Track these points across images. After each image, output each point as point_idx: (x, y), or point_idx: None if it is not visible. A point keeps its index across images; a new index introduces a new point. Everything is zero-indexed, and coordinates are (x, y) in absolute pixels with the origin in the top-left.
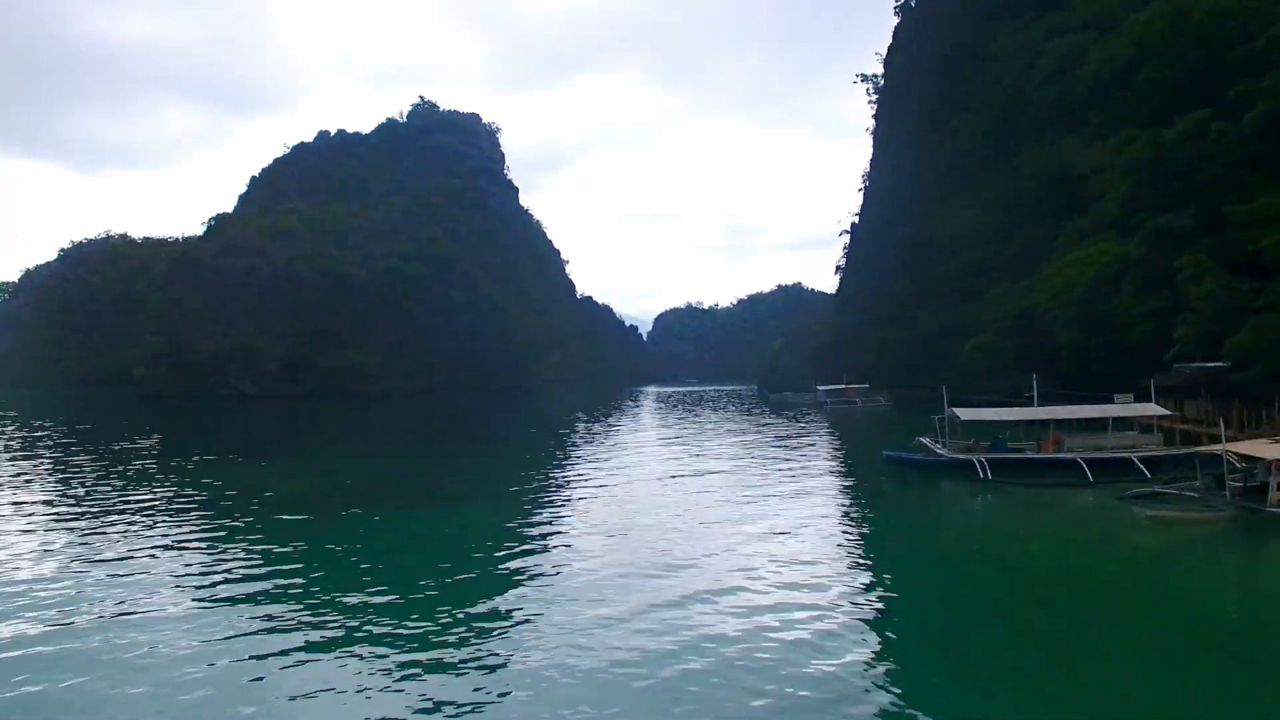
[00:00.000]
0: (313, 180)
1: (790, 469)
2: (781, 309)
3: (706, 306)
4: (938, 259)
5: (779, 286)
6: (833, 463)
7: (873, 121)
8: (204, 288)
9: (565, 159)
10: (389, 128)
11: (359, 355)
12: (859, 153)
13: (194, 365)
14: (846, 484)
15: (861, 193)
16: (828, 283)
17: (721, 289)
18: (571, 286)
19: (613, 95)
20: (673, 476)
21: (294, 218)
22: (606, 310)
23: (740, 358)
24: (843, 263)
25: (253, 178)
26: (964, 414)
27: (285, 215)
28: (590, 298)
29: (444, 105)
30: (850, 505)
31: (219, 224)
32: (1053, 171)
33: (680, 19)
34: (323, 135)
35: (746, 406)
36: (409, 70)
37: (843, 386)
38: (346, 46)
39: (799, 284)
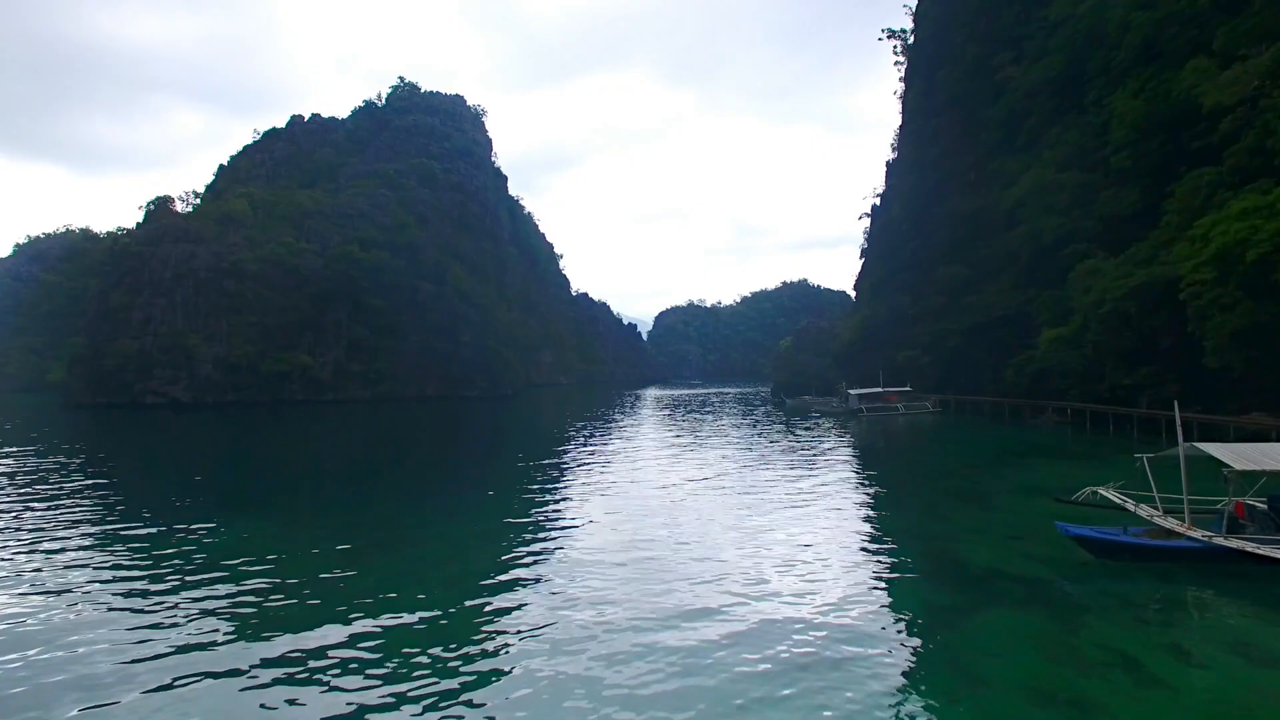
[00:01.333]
0: (284, 169)
1: (871, 536)
2: (788, 306)
3: (709, 305)
4: (994, 235)
5: (784, 283)
6: (933, 522)
7: (900, 85)
8: (130, 281)
9: (573, 159)
10: (366, 111)
11: (309, 358)
12: (871, 147)
13: (116, 369)
14: (999, 584)
15: (887, 168)
16: (835, 280)
17: (726, 288)
18: (566, 282)
19: (621, 94)
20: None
21: (244, 201)
22: (603, 308)
23: (745, 357)
24: (865, 248)
25: (220, 167)
26: (1233, 457)
27: (235, 199)
28: (586, 294)
29: (430, 88)
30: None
31: (157, 208)
32: (1158, 113)
33: (691, 16)
34: (295, 121)
35: (759, 414)
36: (416, 71)
37: (880, 390)
38: (352, 48)
39: (805, 280)
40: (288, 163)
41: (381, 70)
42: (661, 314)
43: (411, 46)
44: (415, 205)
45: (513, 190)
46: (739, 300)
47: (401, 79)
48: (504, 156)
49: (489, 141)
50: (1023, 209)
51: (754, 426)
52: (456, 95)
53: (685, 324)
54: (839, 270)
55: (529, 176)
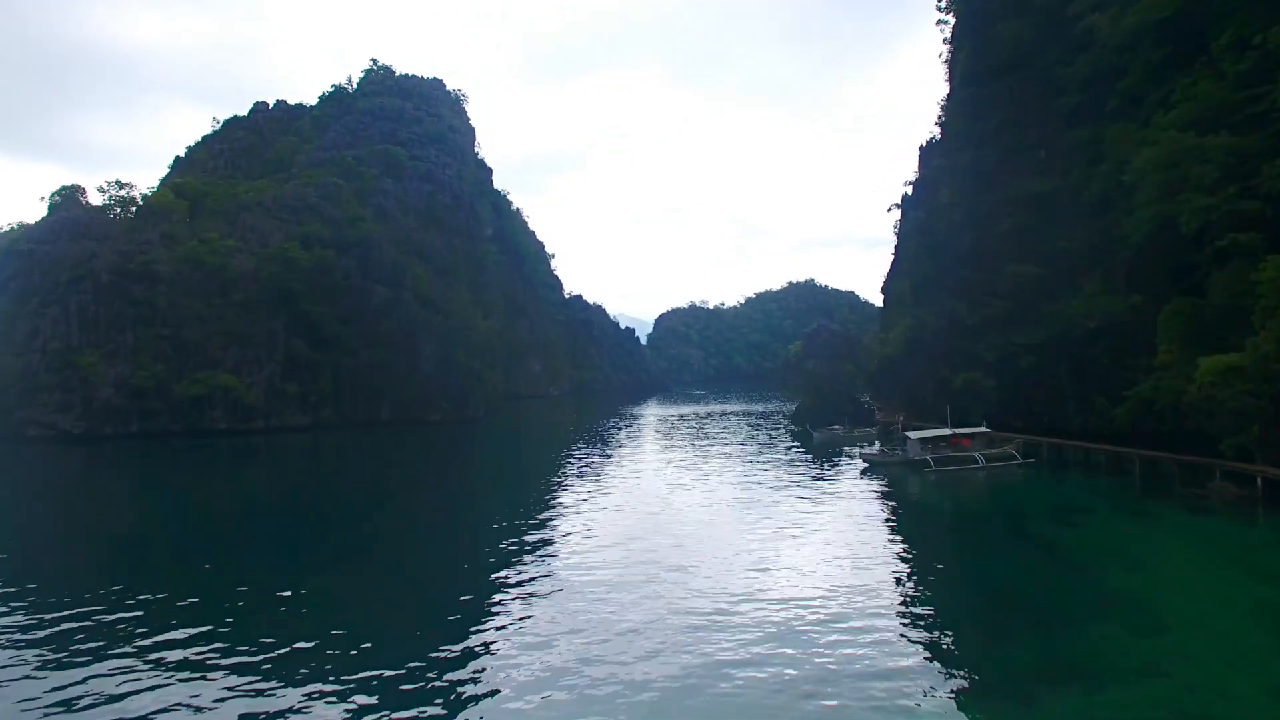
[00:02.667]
0: (244, 160)
1: None
2: (794, 307)
3: (712, 306)
4: (1073, 224)
5: (790, 284)
6: None
7: (946, 47)
8: (15, 285)
9: (576, 158)
10: (336, 96)
11: (234, 379)
12: (874, 145)
13: None
14: None
15: (921, 152)
16: (842, 280)
17: (729, 287)
18: (558, 284)
19: (626, 93)
20: None
21: (169, 193)
22: (598, 311)
23: (750, 361)
24: (896, 244)
25: (177, 159)
26: None
27: (162, 191)
28: (580, 296)
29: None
30: None
31: (63, 199)
32: None
33: (698, 15)
34: (259, 108)
35: (780, 450)
36: (419, 71)
37: (948, 432)
38: (357, 47)
39: (811, 280)
40: (249, 153)
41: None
42: (662, 316)
43: (413, 47)
44: (373, 196)
45: (514, 189)
46: (743, 301)
47: (374, 61)
48: (506, 156)
49: (471, 130)
50: (1149, 188)
51: (776, 478)
52: (435, 79)
53: (687, 326)
54: (843, 269)
55: (532, 176)
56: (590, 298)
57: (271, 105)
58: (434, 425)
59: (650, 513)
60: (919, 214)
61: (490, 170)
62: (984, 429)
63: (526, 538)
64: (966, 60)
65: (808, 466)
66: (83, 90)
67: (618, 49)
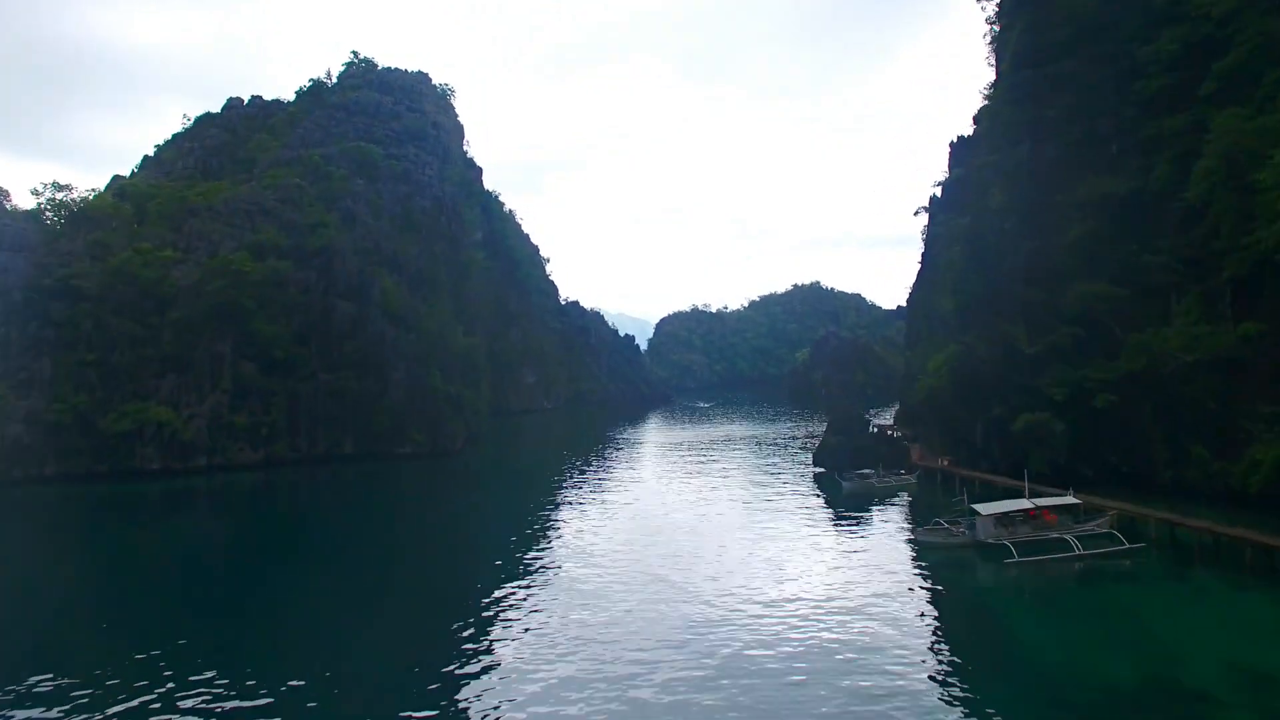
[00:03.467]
0: (216, 159)
1: None
2: (799, 311)
3: (715, 310)
4: (1160, 234)
5: (795, 286)
6: None
7: (991, 26)
8: None
9: (578, 158)
10: (314, 92)
11: (170, 411)
12: (878, 145)
13: None
14: None
15: (952, 148)
16: (847, 281)
17: (732, 287)
18: (553, 290)
19: (627, 93)
20: None
21: (108, 196)
22: (596, 318)
23: (754, 366)
24: (924, 252)
25: (145, 158)
26: None
27: (103, 195)
28: (576, 303)
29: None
30: None
31: None
32: None
33: (704, 14)
34: (233, 104)
35: (803, 497)
36: (420, 67)
37: (1027, 506)
38: (356, 44)
39: (817, 283)
40: (220, 152)
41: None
42: (663, 320)
43: (417, 46)
44: (341, 199)
45: (514, 189)
46: (746, 304)
47: (355, 54)
48: (506, 154)
49: (459, 127)
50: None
51: (801, 567)
52: (419, 72)
53: (689, 331)
54: (845, 268)
55: (533, 175)
56: (590, 298)
57: (247, 101)
58: (405, 459)
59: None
60: (963, 220)
61: (480, 170)
62: (1071, 497)
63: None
64: (1020, 38)
65: (837, 535)
66: (84, 90)
67: (622, 49)
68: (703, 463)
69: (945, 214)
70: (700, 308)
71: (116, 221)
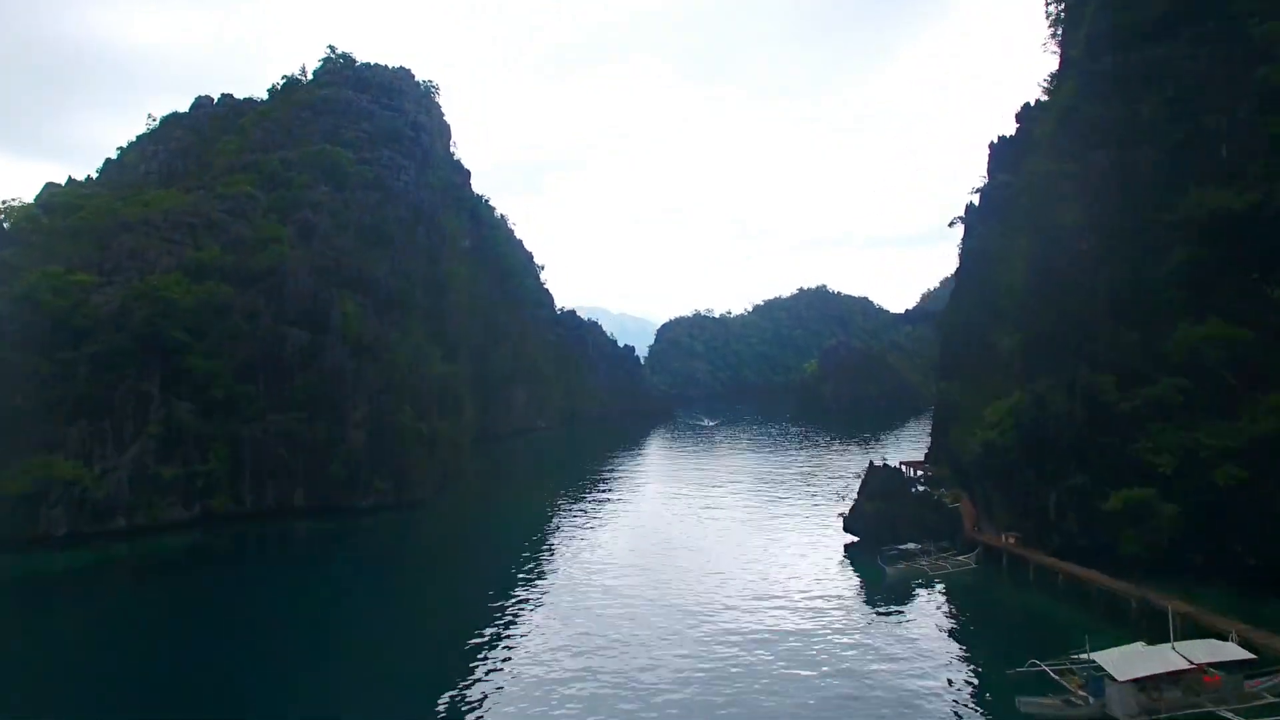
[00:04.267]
0: (181, 163)
1: None
2: (805, 316)
3: (718, 315)
4: None
5: (800, 290)
6: None
7: (1049, 6)
8: None
9: (578, 158)
10: (288, 89)
11: (77, 466)
12: (878, 146)
13: None
14: None
15: (992, 149)
16: (847, 278)
17: (735, 287)
18: (548, 299)
19: (626, 93)
20: None
21: (33, 208)
22: (593, 328)
23: (760, 375)
24: (960, 268)
25: (107, 161)
26: None
27: (26, 205)
28: (573, 312)
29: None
30: None
31: None
32: None
33: (706, 13)
34: (201, 103)
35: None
36: (425, 70)
37: (1185, 663)
38: (358, 46)
39: (823, 287)
40: (187, 155)
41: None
42: (665, 325)
43: (420, 46)
44: (298, 210)
45: (514, 189)
46: (750, 309)
47: (332, 49)
48: (508, 155)
49: (445, 127)
50: None
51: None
52: (401, 68)
53: (691, 337)
54: (848, 268)
55: (533, 175)
56: (591, 298)
57: (216, 100)
58: (365, 513)
59: None
60: (1018, 238)
61: (468, 173)
62: (1236, 647)
63: None
64: (1098, 17)
65: (888, 668)
66: (85, 90)
67: (623, 49)
68: (709, 521)
69: (986, 225)
70: (703, 312)
71: (37, 237)
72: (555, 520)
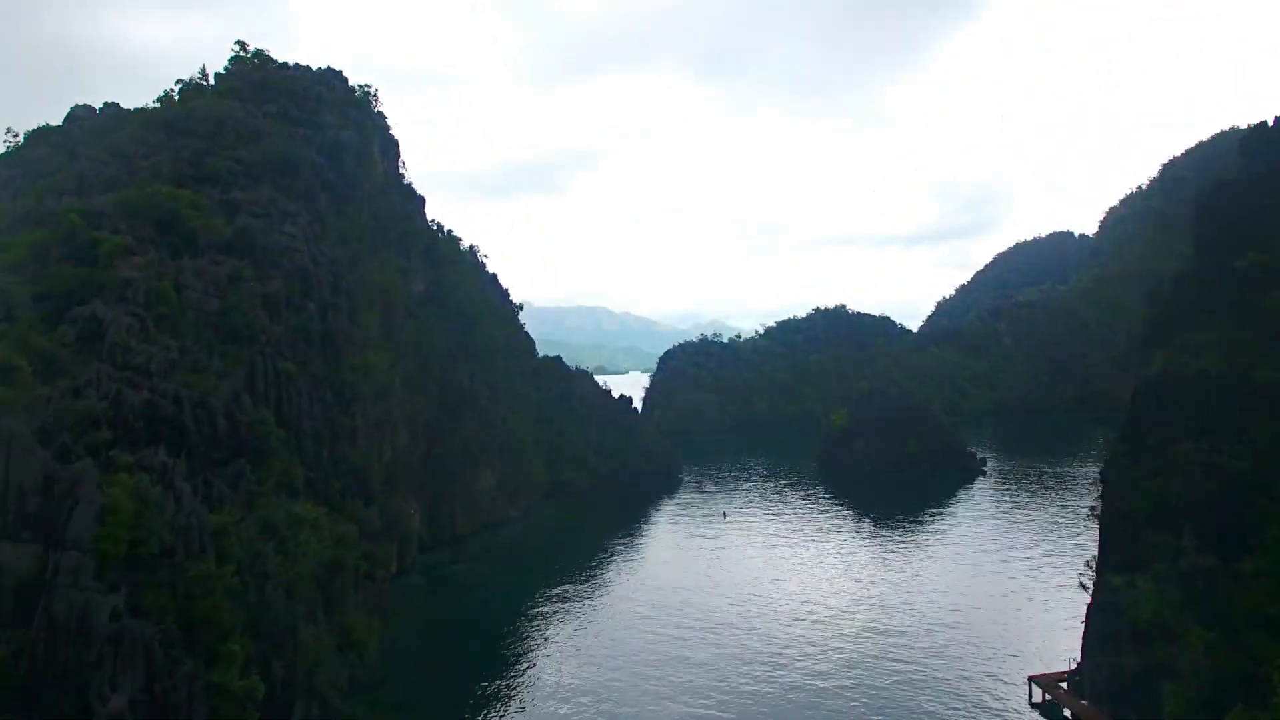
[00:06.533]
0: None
1: None
2: (822, 339)
3: (725, 339)
4: None
5: (816, 310)
6: None
7: None
8: None
9: (590, 157)
10: (186, 95)
11: None
12: (892, 146)
13: None
14: None
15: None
16: (852, 277)
17: (735, 286)
18: (530, 344)
19: (641, 94)
20: None
21: None
22: (583, 378)
23: (774, 408)
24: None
25: None
26: None
27: None
28: (559, 358)
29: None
30: None
31: None
32: None
33: (722, 11)
34: (80, 113)
35: None
36: (433, 72)
37: None
38: (369, 49)
39: (842, 306)
40: (51, 176)
41: (406, 72)
42: (668, 353)
43: (431, 48)
44: (87, 294)
45: (517, 191)
46: (761, 331)
47: (242, 44)
48: (509, 155)
49: (391, 143)
50: None
51: None
52: (329, 69)
53: (698, 366)
54: (857, 268)
55: (535, 175)
56: (592, 298)
57: (100, 108)
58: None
59: None
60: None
61: (422, 200)
62: None
63: None
64: None
65: None
66: (85, 89)
67: (641, 47)
68: None
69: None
70: (710, 337)
71: None
72: None
